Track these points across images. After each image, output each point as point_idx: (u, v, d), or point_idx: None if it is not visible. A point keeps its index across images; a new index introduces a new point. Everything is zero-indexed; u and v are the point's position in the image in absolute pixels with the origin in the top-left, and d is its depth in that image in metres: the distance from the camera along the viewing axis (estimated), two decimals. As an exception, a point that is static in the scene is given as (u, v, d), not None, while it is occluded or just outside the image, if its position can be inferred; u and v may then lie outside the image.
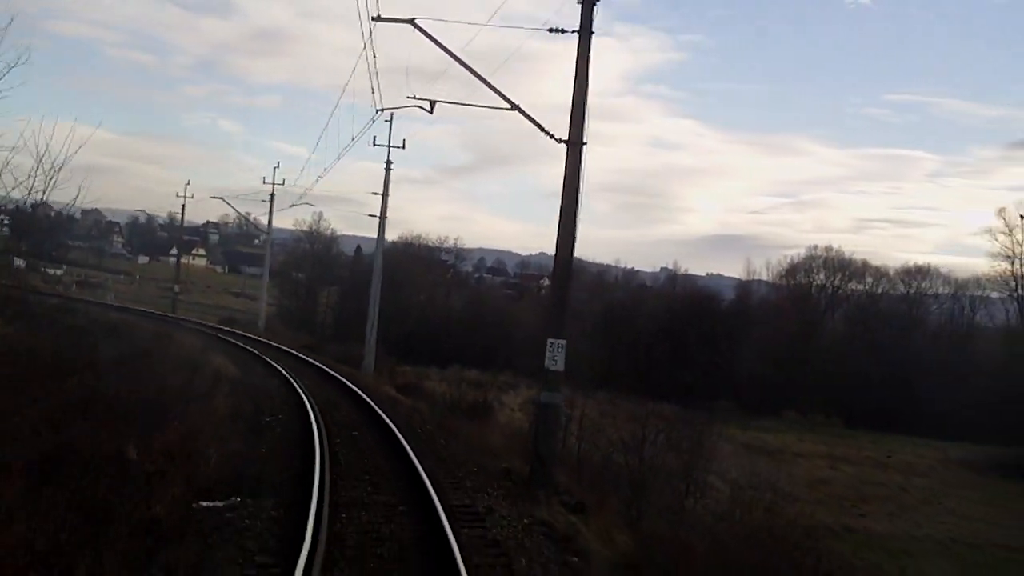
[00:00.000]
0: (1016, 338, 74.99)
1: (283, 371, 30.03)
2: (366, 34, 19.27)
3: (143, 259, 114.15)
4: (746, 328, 77.20)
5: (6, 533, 9.15)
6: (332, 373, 31.70)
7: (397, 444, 17.38)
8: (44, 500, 9.95)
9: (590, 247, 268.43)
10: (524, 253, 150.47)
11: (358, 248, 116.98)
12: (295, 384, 26.43)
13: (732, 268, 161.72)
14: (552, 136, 16.17)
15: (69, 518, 10.03)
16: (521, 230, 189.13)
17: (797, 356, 72.06)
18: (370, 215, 40.28)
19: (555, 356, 16.12)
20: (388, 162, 39.08)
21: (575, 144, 16.07)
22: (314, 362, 35.90)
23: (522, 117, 16.89)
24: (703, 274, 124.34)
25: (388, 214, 39.39)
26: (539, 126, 16.36)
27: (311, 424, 18.75)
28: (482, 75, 16.80)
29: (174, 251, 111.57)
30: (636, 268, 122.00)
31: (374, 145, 38.06)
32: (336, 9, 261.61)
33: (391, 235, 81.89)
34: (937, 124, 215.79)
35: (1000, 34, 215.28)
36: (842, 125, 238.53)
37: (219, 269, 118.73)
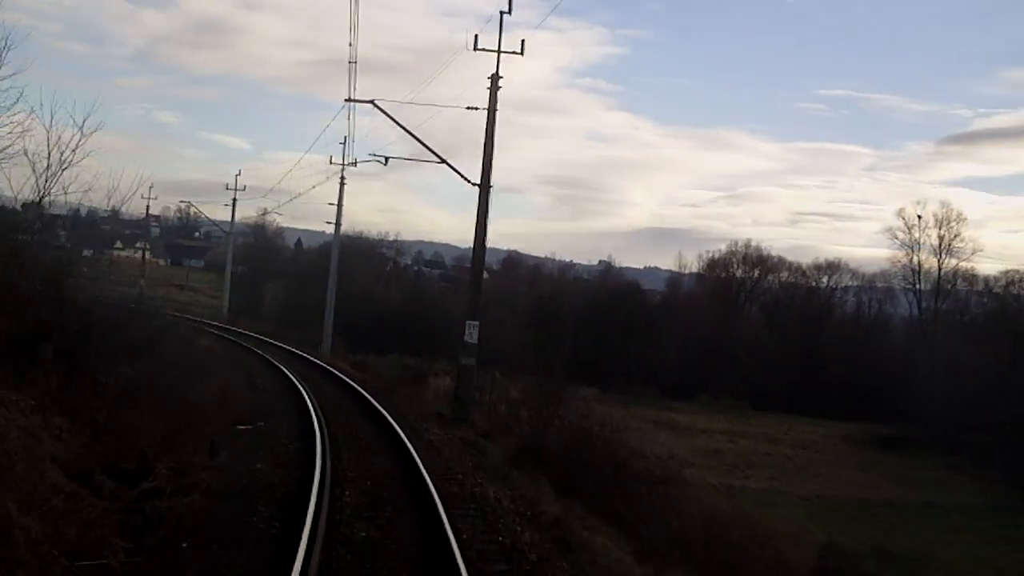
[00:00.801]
0: (913, 327, 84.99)
1: (257, 351, 37.95)
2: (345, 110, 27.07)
3: (87, 252, 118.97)
4: (669, 318, 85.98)
5: (150, 429, 16.99)
6: (297, 352, 39.75)
7: (360, 395, 25.49)
8: (164, 410, 17.74)
9: (528, 241, 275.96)
10: (462, 246, 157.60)
11: (298, 241, 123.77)
12: (271, 359, 34.38)
13: (669, 261, 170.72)
14: (469, 181, 24.28)
15: (173, 424, 17.86)
16: (459, 223, 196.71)
17: (713, 345, 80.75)
18: (327, 222, 48.24)
19: (471, 332, 24.28)
20: (342, 179, 47.19)
21: (484, 187, 24.20)
22: (279, 344, 43.80)
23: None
24: (640, 267, 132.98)
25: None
26: (461, 175, 24.52)
27: (294, 383, 26.72)
28: (420, 138, 24.86)
29: (118, 244, 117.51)
30: (574, 261, 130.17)
31: (330, 163, 46.07)
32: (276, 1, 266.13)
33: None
34: (871, 119, 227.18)
35: (929, 30, 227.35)
36: (777, 120, 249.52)
37: (162, 262, 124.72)
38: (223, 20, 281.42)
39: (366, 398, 24.64)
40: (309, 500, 12.77)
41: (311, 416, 20.67)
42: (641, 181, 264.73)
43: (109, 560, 10.25)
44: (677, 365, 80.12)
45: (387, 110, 25.39)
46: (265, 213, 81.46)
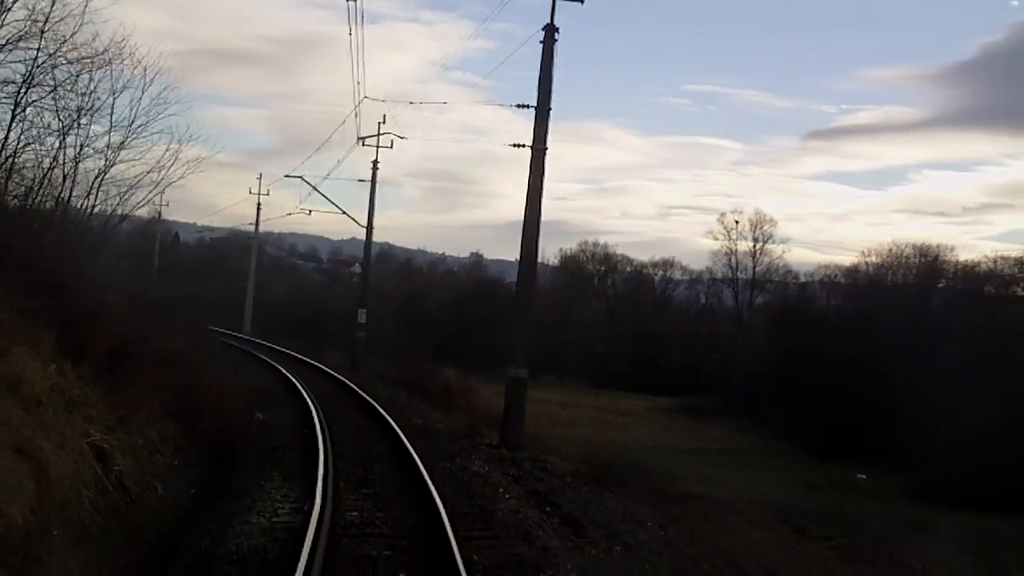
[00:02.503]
0: (731, 318, 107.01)
1: (199, 332, 56.38)
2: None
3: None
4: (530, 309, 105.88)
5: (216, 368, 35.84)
6: (228, 332, 58.21)
7: (289, 354, 44.52)
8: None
9: (401, 233, 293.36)
10: (335, 238, 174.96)
11: (176, 236, 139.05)
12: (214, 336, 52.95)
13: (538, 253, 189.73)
14: (359, 223, 43.41)
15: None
16: (331, 215, 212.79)
17: (561, 333, 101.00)
18: (249, 238, 66.76)
19: (361, 316, 43.46)
20: (258, 205, 65.88)
21: (369, 228, 43.43)
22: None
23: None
24: (511, 259, 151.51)
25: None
26: (356, 221, 43.61)
27: (246, 349, 45.48)
28: (334, 201, 43.91)
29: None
30: (446, 253, 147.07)
31: (249, 193, 64.70)
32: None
33: (209, 221, 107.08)
34: (735, 114, 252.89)
35: (793, 29, 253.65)
36: (645, 114, 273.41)
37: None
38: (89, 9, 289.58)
39: (297, 356, 43.67)
40: (296, 385, 31.87)
41: (271, 363, 39.58)
42: (512, 174, 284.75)
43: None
44: (530, 350, 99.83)
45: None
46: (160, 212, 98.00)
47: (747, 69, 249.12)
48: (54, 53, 25.79)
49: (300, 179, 45.75)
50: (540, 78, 24.63)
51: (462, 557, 12.71)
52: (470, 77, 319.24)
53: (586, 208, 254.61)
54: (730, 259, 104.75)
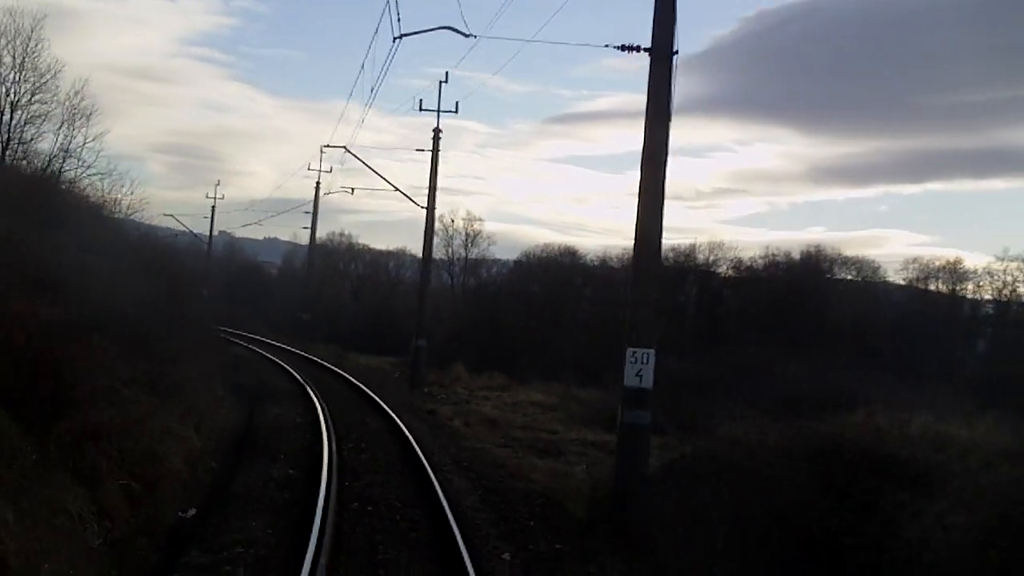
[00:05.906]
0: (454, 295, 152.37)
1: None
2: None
3: None
4: (282, 288, 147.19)
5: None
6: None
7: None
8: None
9: (148, 210, 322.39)
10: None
11: None
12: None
13: (288, 232, 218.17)
14: (203, 241, 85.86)
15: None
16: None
17: (313, 309, 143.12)
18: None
19: (205, 291, 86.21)
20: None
21: (209, 245, 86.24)
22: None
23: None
24: (260, 238, 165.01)
25: None
26: (205, 242, 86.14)
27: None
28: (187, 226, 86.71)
29: None
30: (194, 231, 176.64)
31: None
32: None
33: None
34: (479, 99, 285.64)
35: (524, 14, 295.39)
36: (390, 96, 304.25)
37: None
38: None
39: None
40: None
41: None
42: (258, 151, 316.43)
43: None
44: (289, 323, 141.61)
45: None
46: None
47: (483, 54, 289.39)
48: None
49: (173, 216, 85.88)
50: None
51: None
52: (214, 53, 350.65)
53: (334, 187, 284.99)
54: (447, 249, 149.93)
